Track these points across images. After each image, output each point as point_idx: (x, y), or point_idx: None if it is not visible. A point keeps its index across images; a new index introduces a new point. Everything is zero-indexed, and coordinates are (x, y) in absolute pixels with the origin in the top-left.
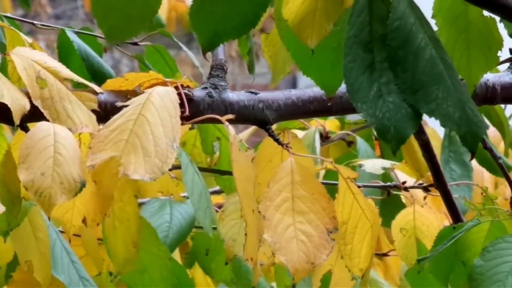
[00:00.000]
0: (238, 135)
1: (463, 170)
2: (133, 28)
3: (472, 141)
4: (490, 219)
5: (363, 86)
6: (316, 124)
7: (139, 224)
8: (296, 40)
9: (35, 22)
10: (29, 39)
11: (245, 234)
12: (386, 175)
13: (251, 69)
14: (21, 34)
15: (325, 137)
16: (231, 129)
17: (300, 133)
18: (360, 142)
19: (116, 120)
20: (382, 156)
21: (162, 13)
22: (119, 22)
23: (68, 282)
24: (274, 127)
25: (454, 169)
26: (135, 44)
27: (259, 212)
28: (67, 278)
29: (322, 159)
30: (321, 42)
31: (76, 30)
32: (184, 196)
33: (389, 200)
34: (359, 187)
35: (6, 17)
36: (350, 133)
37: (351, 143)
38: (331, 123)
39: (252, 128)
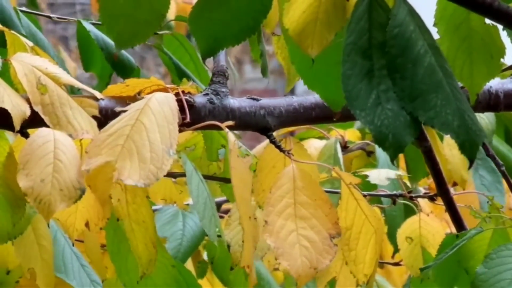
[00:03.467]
0: (240, 143)
1: (492, 176)
2: (141, 34)
3: (470, 150)
4: (493, 227)
5: (361, 93)
6: (335, 134)
7: (155, 224)
8: (300, 54)
9: (51, 15)
10: (30, 43)
11: (242, 241)
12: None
13: (264, 72)
14: (21, 37)
15: (343, 147)
16: (231, 135)
17: (319, 143)
18: (380, 152)
19: (114, 124)
20: (407, 164)
21: (171, 15)
22: (127, 28)
23: (80, 287)
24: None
25: (483, 176)
26: (155, 33)
27: (255, 218)
28: (78, 283)
29: (322, 165)
30: (325, 56)
31: (92, 21)
32: (187, 204)
33: (409, 208)
34: (365, 196)
35: (22, 11)
36: (370, 142)
37: (371, 153)
38: (351, 133)
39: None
